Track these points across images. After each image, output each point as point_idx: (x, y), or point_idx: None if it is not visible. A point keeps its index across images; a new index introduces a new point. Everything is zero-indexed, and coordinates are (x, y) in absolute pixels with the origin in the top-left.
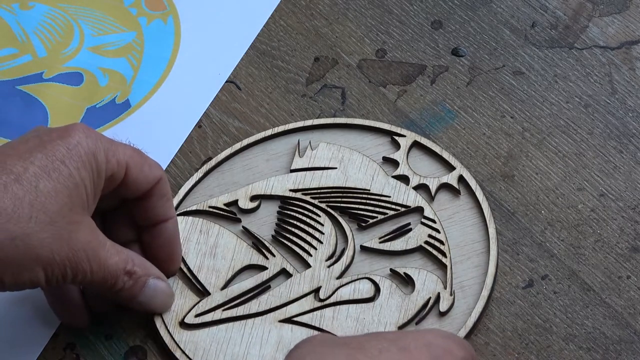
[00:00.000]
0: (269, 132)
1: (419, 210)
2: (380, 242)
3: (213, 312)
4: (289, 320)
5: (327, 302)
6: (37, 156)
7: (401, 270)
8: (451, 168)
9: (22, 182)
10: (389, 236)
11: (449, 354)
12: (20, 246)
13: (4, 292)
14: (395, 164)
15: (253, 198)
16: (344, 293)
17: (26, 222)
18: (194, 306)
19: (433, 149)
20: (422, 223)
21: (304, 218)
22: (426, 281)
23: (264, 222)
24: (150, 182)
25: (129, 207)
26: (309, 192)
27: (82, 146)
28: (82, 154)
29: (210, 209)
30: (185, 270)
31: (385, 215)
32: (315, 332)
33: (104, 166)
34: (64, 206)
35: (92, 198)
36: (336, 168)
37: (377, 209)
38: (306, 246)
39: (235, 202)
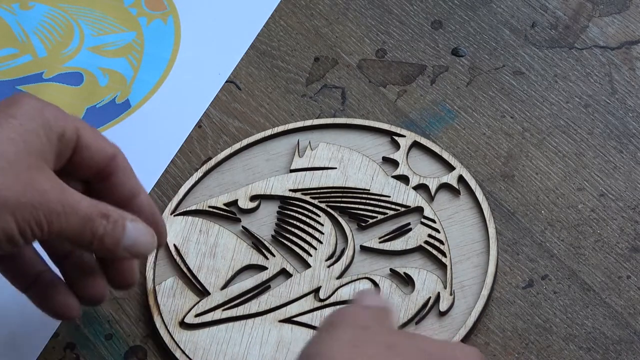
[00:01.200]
0: (269, 132)
1: (419, 210)
2: (380, 242)
3: (213, 312)
4: (289, 320)
5: (327, 302)
6: (6, 110)
7: (401, 270)
8: (451, 168)
9: None
10: (388, 236)
11: None
12: None
13: None
14: (395, 164)
15: (253, 198)
16: (344, 293)
17: None
18: (193, 306)
19: (433, 149)
20: (422, 223)
21: (304, 218)
22: (426, 281)
23: (263, 222)
24: (106, 154)
25: (97, 193)
26: (309, 192)
27: (29, 104)
28: (30, 109)
29: (210, 209)
30: (185, 270)
31: (385, 215)
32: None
33: (54, 122)
34: (20, 152)
35: (49, 151)
36: (336, 168)
37: (377, 209)
38: (306, 246)
39: (235, 202)
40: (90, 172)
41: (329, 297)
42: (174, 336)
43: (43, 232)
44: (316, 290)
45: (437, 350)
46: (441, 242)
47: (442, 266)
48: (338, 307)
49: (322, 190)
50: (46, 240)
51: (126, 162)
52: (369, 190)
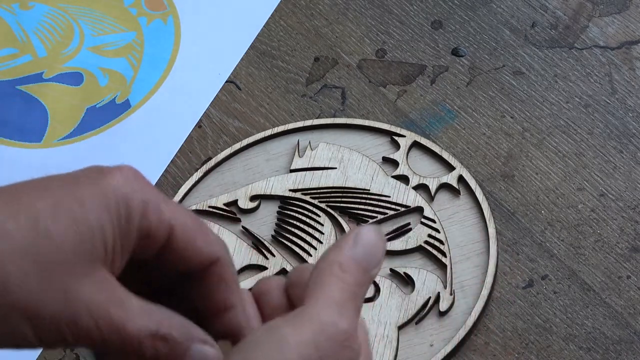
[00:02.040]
0: (268, 132)
1: (419, 210)
2: None
3: None
4: None
5: None
6: (53, 192)
7: (401, 270)
8: (451, 168)
9: (18, 218)
10: (388, 236)
11: None
12: None
13: None
14: (395, 164)
15: (253, 198)
16: None
17: (7, 262)
18: None
19: (433, 149)
20: (422, 223)
21: (304, 218)
22: (426, 281)
23: (263, 222)
24: (204, 257)
25: (183, 290)
26: (309, 192)
27: (112, 187)
28: (110, 195)
29: (210, 209)
30: None
31: (385, 215)
32: None
33: (138, 217)
34: (65, 254)
35: (115, 250)
36: (336, 168)
37: (377, 209)
38: (306, 246)
39: (235, 202)
40: (180, 271)
41: None
42: None
43: (68, 342)
44: None
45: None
46: (441, 242)
47: (442, 266)
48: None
49: (322, 190)
50: None
51: (229, 273)
52: (369, 190)
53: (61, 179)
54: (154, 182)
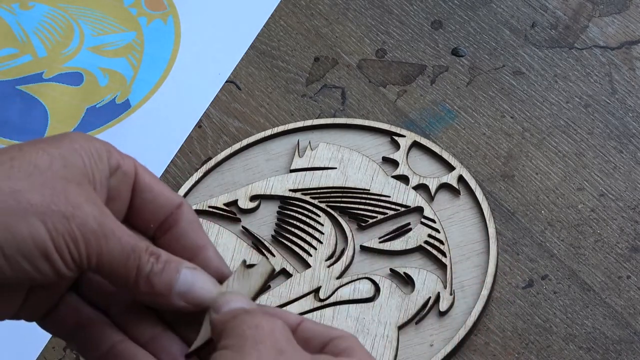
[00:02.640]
0: (268, 132)
1: (419, 210)
2: (380, 242)
3: None
4: None
5: (327, 302)
6: (27, 144)
7: (401, 270)
8: (451, 168)
9: (15, 159)
10: (388, 236)
11: None
12: (7, 193)
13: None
14: (395, 164)
15: (253, 198)
16: (344, 293)
17: (17, 180)
18: None
19: (433, 149)
20: (422, 223)
21: (304, 218)
22: (426, 281)
23: (263, 222)
24: (171, 200)
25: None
26: (309, 192)
27: (78, 135)
28: (79, 139)
29: (210, 209)
30: None
31: (385, 215)
32: None
33: (106, 155)
34: (57, 167)
35: (98, 180)
36: (336, 168)
37: (377, 209)
38: (306, 246)
39: (235, 202)
40: (154, 220)
41: (329, 297)
42: None
43: (80, 253)
44: (316, 290)
45: None
46: (441, 242)
47: (442, 266)
48: (264, 318)
49: (322, 190)
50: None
51: (192, 213)
52: (369, 190)
53: (35, 145)
54: None
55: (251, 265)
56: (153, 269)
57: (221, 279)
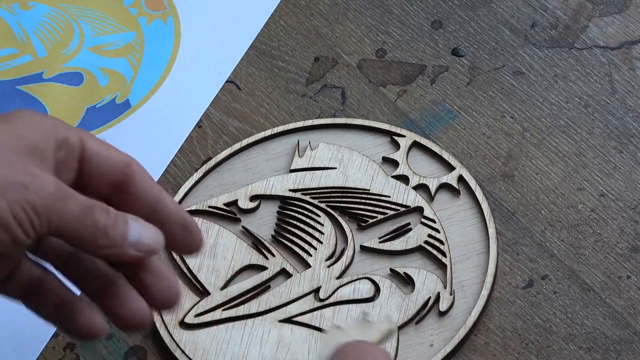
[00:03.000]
0: (269, 132)
1: (419, 210)
2: (380, 242)
3: (213, 312)
4: (289, 320)
5: (327, 302)
6: None
7: (401, 270)
8: (451, 168)
9: None
10: (388, 236)
11: None
12: None
13: None
14: (395, 164)
15: (253, 198)
16: (344, 293)
17: None
18: (193, 306)
19: (433, 149)
20: (422, 223)
21: (304, 218)
22: (426, 281)
23: (263, 222)
24: (120, 162)
25: (118, 208)
26: (309, 192)
27: (26, 112)
28: (26, 115)
29: (210, 209)
30: (184, 270)
31: (385, 215)
32: (316, 332)
33: (52, 129)
34: (10, 142)
35: (48, 154)
36: (336, 168)
37: (377, 209)
38: (306, 246)
39: (235, 202)
40: (107, 183)
41: (329, 297)
42: (174, 336)
43: (41, 219)
44: (316, 290)
45: None
46: (441, 242)
47: (442, 266)
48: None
49: (322, 190)
50: (53, 253)
51: (143, 170)
52: (369, 190)
53: None
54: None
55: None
56: (107, 222)
57: (183, 223)
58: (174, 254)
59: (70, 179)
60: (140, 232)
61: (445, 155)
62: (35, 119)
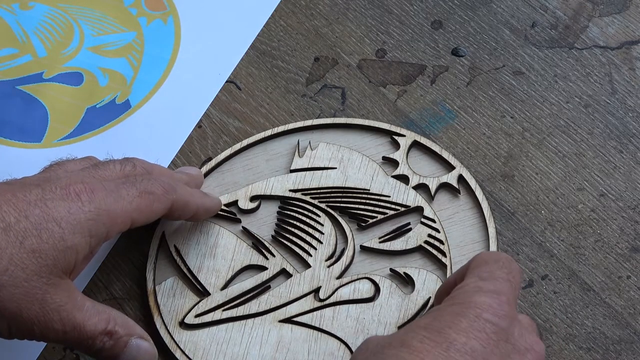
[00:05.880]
0: (269, 132)
1: (419, 210)
2: (380, 242)
3: (213, 312)
4: (289, 320)
5: (327, 302)
6: (33, 212)
7: (401, 270)
8: (451, 168)
9: (9, 234)
10: (388, 236)
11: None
12: None
13: None
14: (395, 163)
15: (253, 198)
16: (344, 293)
17: (1, 273)
18: (193, 306)
19: (433, 148)
20: (422, 223)
21: (304, 218)
22: (426, 281)
23: (263, 222)
24: (161, 213)
25: None
26: (309, 192)
27: (83, 211)
28: (82, 219)
29: None
30: (185, 270)
31: (385, 215)
32: (315, 332)
33: (105, 232)
34: (44, 267)
35: (83, 260)
36: (336, 168)
37: (377, 209)
38: (306, 246)
39: (235, 203)
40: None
41: (329, 297)
42: (174, 336)
43: (35, 338)
44: (316, 290)
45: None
46: (441, 242)
47: (442, 266)
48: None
49: (322, 191)
50: None
51: (185, 200)
52: (369, 190)
53: (30, 192)
54: None
55: None
56: (104, 346)
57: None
58: (175, 256)
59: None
60: (135, 356)
61: (445, 155)
62: (91, 220)
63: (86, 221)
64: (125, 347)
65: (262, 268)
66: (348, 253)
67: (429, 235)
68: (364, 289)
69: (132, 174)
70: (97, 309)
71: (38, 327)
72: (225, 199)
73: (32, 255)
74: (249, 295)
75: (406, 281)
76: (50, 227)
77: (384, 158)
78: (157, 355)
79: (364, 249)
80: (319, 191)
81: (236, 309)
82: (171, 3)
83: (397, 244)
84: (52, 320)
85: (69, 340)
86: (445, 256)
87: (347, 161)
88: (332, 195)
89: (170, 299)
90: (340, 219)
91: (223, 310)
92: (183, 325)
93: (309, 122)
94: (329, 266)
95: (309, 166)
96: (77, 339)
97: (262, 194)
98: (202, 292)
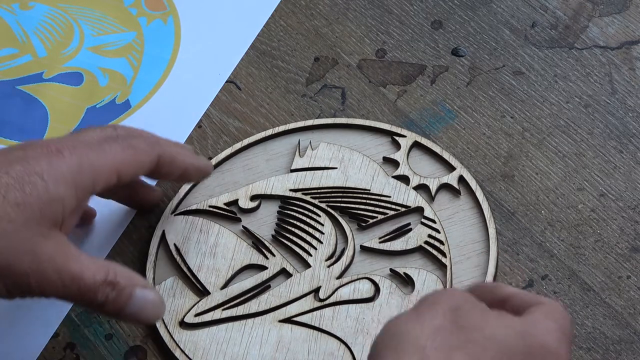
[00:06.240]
0: (269, 132)
1: (419, 210)
2: (380, 242)
3: (213, 312)
4: (288, 320)
5: (327, 302)
6: (15, 168)
7: (401, 270)
8: (451, 168)
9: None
10: (389, 236)
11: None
12: None
13: None
14: (395, 164)
15: (253, 198)
16: (344, 293)
17: None
18: (193, 306)
19: (433, 149)
20: (422, 223)
21: (304, 218)
22: (426, 281)
23: (264, 222)
24: (148, 167)
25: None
26: (309, 192)
27: (65, 163)
28: (65, 171)
29: (211, 209)
30: (185, 269)
31: (385, 215)
32: (315, 332)
33: (90, 184)
34: (31, 220)
35: (72, 213)
36: (336, 168)
37: (377, 209)
38: (306, 246)
39: (235, 202)
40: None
41: (329, 297)
42: (173, 336)
43: (34, 294)
44: (316, 290)
45: (522, 328)
46: (441, 242)
47: (442, 266)
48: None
49: (322, 190)
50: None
51: (171, 153)
52: (369, 190)
53: (11, 154)
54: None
55: None
56: (107, 298)
57: (199, 172)
58: (175, 255)
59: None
60: (142, 305)
61: (446, 155)
62: (76, 172)
63: (69, 172)
64: (130, 299)
65: (262, 267)
66: (348, 253)
67: (429, 236)
68: (364, 289)
69: (113, 135)
70: (94, 261)
71: (34, 279)
72: (225, 198)
73: (16, 209)
74: (249, 295)
75: (406, 281)
76: (33, 180)
77: (384, 158)
78: (164, 305)
79: (364, 249)
80: (319, 191)
81: (236, 308)
82: (171, 3)
83: (397, 244)
84: (46, 271)
85: (69, 295)
86: (446, 256)
87: (348, 161)
88: (333, 195)
89: (170, 298)
90: (340, 219)
91: (223, 309)
92: (183, 324)
93: (309, 122)
94: (329, 266)
95: (310, 166)
96: (78, 292)
97: (263, 193)
98: (202, 292)
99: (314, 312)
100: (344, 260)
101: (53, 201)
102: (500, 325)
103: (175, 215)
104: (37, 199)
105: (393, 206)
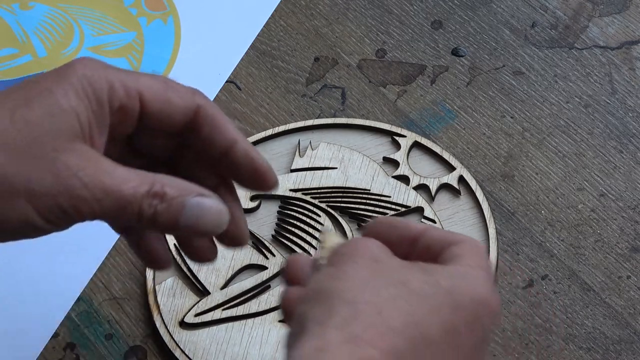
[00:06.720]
0: (269, 132)
1: (419, 210)
2: None
3: (213, 312)
4: None
5: None
6: (17, 92)
7: None
8: (451, 168)
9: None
10: None
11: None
12: None
13: (6, 241)
14: (395, 164)
15: (253, 198)
16: None
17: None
18: (193, 306)
19: (433, 149)
20: (422, 223)
21: (304, 218)
22: None
23: (264, 222)
24: (183, 110)
25: (190, 147)
26: (309, 192)
27: (75, 73)
28: (74, 81)
29: None
30: (185, 269)
31: (386, 216)
32: None
33: (106, 95)
34: (44, 135)
35: (93, 128)
36: (336, 168)
37: (377, 209)
38: (306, 246)
39: None
40: (172, 129)
41: None
42: (174, 336)
43: (70, 215)
44: None
45: (449, 282)
46: None
47: None
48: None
49: (322, 190)
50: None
51: (214, 112)
52: (369, 190)
53: (28, 80)
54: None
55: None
56: (156, 209)
57: (252, 167)
58: (175, 255)
59: (129, 132)
60: (199, 215)
61: (446, 155)
62: (89, 84)
63: (79, 83)
64: (183, 209)
65: (262, 267)
66: None
67: None
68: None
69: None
70: (136, 173)
71: (64, 199)
72: None
73: (26, 126)
74: (249, 295)
75: None
76: (41, 95)
77: (384, 158)
78: (228, 213)
79: None
80: (319, 191)
81: (236, 308)
82: (171, 3)
83: None
84: (74, 188)
85: (108, 211)
86: None
87: (348, 161)
88: (333, 195)
89: (170, 298)
90: (340, 218)
91: (223, 309)
92: (183, 324)
93: (309, 122)
94: None
95: (310, 166)
96: (117, 208)
97: (263, 193)
98: (202, 292)
99: None
100: None
101: (64, 112)
102: (424, 280)
103: None
104: (47, 113)
105: (393, 206)
